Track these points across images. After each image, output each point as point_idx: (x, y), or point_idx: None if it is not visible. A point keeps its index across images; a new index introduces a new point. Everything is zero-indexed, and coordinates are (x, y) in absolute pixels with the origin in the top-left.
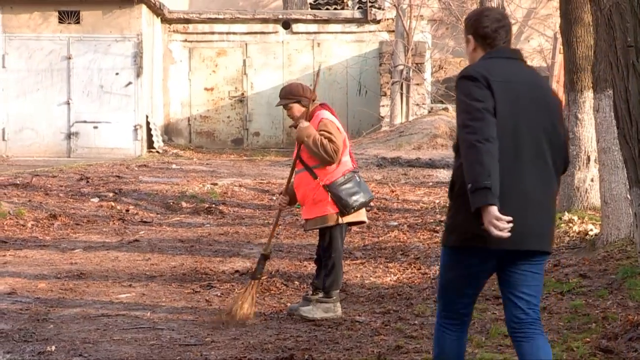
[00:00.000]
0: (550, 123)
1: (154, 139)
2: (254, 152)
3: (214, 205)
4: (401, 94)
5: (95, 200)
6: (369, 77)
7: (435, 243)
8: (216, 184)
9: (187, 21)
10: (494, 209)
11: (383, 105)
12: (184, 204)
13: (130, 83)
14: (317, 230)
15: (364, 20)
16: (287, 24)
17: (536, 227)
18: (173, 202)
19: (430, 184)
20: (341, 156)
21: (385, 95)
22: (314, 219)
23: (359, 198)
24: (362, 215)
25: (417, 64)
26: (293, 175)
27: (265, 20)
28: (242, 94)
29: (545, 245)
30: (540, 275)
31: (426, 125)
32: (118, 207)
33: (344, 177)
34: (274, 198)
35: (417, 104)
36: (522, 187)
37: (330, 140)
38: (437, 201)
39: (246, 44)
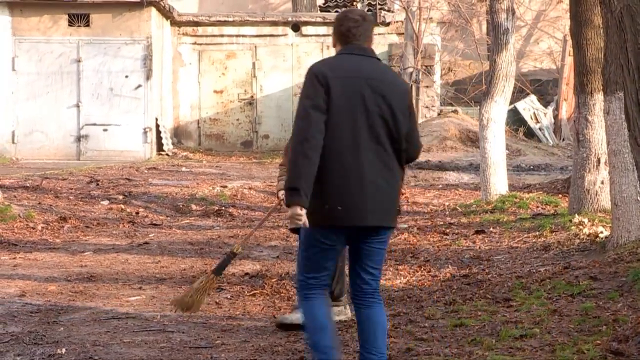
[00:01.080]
0: (390, 114)
1: (164, 141)
2: (263, 154)
3: (223, 208)
4: None
5: (105, 202)
6: None
7: (445, 245)
8: (226, 187)
9: (197, 24)
10: (297, 209)
11: None
12: (193, 207)
13: (139, 86)
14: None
15: (373, 22)
16: (296, 27)
17: (376, 205)
18: (183, 205)
19: (440, 186)
20: None
21: None
22: None
23: None
24: None
25: (426, 66)
26: None
27: (274, 23)
28: (252, 96)
29: (387, 221)
30: (383, 249)
31: (436, 127)
32: (128, 210)
33: None
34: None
35: (427, 107)
36: (361, 171)
37: None
38: (446, 203)
39: (255, 47)
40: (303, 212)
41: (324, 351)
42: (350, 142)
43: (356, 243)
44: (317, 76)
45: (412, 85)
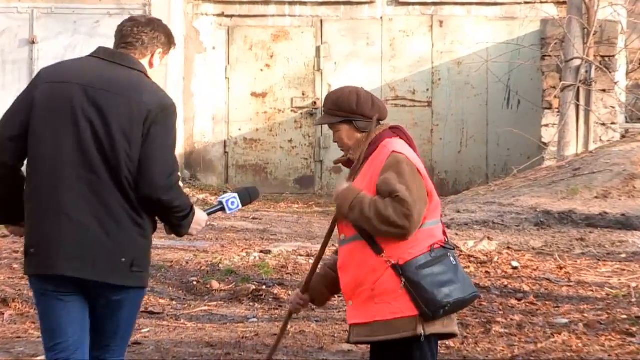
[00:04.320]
0: (105, 132)
1: None
2: (330, 198)
3: (264, 287)
4: (577, 107)
5: None
6: (524, 79)
7: (629, 354)
8: (269, 252)
9: None
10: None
11: (547, 125)
12: (215, 285)
13: None
14: (376, 346)
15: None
16: None
17: (79, 251)
18: (197, 281)
19: (623, 255)
20: (425, 217)
21: (550, 108)
22: (372, 325)
23: (453, 291)
24: (453, 323)
25: (603, 57)
26: (329, 249)
27: None
28: (314, 102)
29: (101, 274)
30: (115, 318)
31: (617, 158)
32: None
33: (430, 255)
34: None
35: (603, 124)
36: (59, 207)
37: (396, 199)
38: (633, 285)
39: (321, 21)
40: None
41: None
42: (51, 168)
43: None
44: (34, 80)
45: (579, 89)
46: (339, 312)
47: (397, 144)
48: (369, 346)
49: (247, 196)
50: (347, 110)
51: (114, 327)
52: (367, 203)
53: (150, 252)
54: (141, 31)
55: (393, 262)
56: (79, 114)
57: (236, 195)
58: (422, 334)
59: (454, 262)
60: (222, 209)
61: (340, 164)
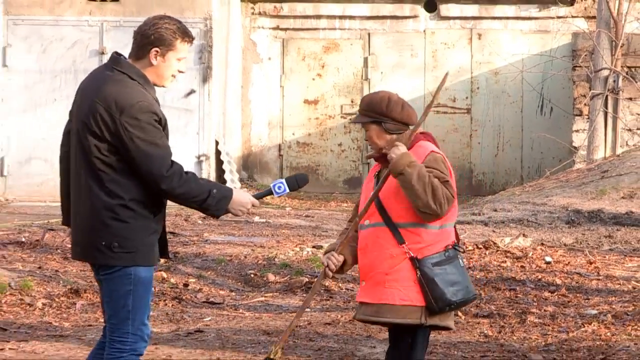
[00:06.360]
0: (78, 129)
1: (227, 176)
2: None
3: (316, 280)
4: (605, 114)
5: None
6: (556, 87)
7: None
8: (320, 247)
9: None
10: None
11: (577, 131)
12: (271, 277)
13: (192, 92)
14: (381, 326)
15: (549, 0)
16: (432, 4)
17: (78, 239)
18: (255, 274)
19: None
20: (446, 219)
21: (580, 115)
22: (382, 307)
23: (459, 292)
24: (449, 318)
25: (629, 67)
26: (357, 227)
27: None
28: None
29: (88, 256)
30: (111, 293)
31: None
32: (172, 280)
33: (445, 254)
34: None
35: (630, 129)
36: (72, 200)
37: (445, 184)
38: None
39: (369, 34)
40: None
41: None
42: (68, 166)
43: None
44: None
45: (607, 97)
46: None
47: (433, 146)
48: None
49: (295, 182)
50: (377, 112)
51: (108, 301)
52: (424, 169)
53: (139, 233)
54: (137, 33)
55: (412, 255)
56: (75, 115)
57: (283, 180)
58: (424, 324)
59: (462, 264)
60: (270, 193)
61: (372, 157)
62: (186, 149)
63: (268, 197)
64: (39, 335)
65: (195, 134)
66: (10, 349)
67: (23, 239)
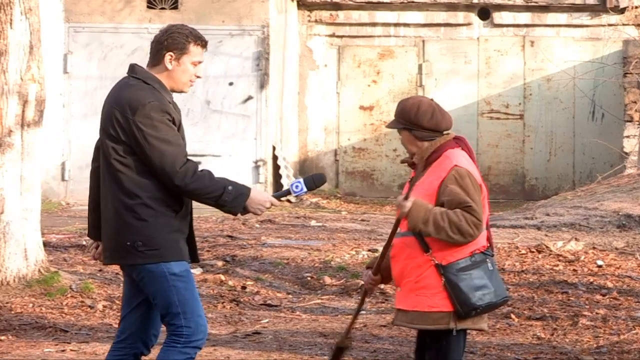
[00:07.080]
0: (100, 135)
1: (284, 180)
2: None
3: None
4: None
5: (197, 271)
6: (608, 94)
7: None
8: (376, 250)
9: (337, 6)
10: None
11: (628, 136)
12: (327, 280)
13: (250, 98)
14: (417, 331)
15: (600, 8)
16: (485, 12)
17: (107, 244)
18: (311, 277)
19: None
20: None
21: (631, 121)
22: (413, 313)
23: (486, 295)
24: (483, 321)
25: None
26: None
27: (453, 6)
28: None
29: (115, 258)
30: (151, 293)
31: None
32: (230, 283)
33: (470, 260)
34: None
35: None
36: (101, 207)
37: (468, 209)
38: None
39: (423, 42)
40: None
41: None
42: (98, 182)
43: None
44: None
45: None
46: None
47: (459, 157)
48: None
49: (312, 181)
50: (406, 119)
51: (158, 307)
52: (439, 215)
53: (161, 230)
54: (153, 41)
55: (437, 262)
56: (102, 121)
57: (301, 180)
58: (454, 329)
59: (491, 268)
60: (289, 193)
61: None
62: (244, 154)
63: (287, 196)
64: (100, 337)
65: (253, 139)
66: (71, 350)
67: (84, 242)
